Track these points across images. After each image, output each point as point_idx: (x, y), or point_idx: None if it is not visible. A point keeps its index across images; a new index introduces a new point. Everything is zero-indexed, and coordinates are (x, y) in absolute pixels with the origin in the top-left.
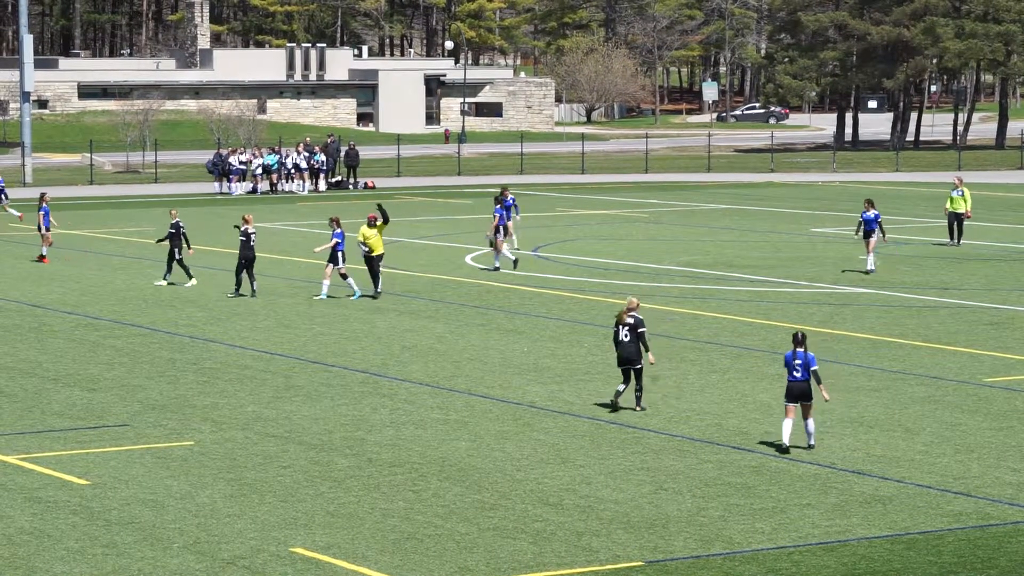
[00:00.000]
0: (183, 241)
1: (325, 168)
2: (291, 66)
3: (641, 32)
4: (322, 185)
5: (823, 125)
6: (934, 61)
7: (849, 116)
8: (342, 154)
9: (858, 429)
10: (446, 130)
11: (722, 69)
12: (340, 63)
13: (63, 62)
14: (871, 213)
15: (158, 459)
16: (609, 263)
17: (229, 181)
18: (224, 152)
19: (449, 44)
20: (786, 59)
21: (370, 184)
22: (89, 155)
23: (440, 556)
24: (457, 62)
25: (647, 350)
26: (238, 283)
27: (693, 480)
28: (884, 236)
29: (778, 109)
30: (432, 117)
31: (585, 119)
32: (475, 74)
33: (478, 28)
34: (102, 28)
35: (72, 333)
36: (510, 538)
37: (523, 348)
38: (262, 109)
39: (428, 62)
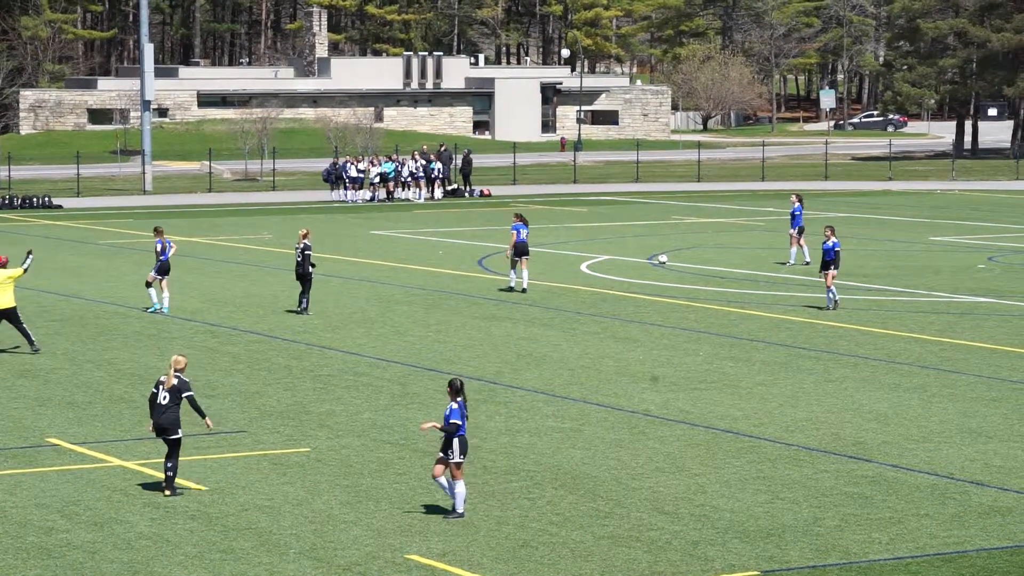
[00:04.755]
0: None
1: (441, 176)
2: (408, 74)
3: (758, 40)
4: (438, 193)
5: (942, 133)
6: None
7: (968, 124)
8: (456, 162)
9: (977, 439)
10: (562, 138)
11: (840, 77)
12: (457, 71)
13: (183, 71)
14: (831, 242)
15: (275, 465)
16: (725, 271)
17: (345, 189)
18: (340, 161)
19: (565, 52)
20: (905, 66)
21: (486, 192)
22: (208, 163)
23: (554, 564)
24: (573, 70)
25: (203, 415)
26: None
27: (809, 490)
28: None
29: (896, 117)
30: (548, 125)
31: (701, 127)
32: (591, 82)
33: (594, 36)
34: (221, 37)
35: (191, 340)
36: (625, 546)
37: (638, 356)
38: (379, 117)
39: (544, 70)
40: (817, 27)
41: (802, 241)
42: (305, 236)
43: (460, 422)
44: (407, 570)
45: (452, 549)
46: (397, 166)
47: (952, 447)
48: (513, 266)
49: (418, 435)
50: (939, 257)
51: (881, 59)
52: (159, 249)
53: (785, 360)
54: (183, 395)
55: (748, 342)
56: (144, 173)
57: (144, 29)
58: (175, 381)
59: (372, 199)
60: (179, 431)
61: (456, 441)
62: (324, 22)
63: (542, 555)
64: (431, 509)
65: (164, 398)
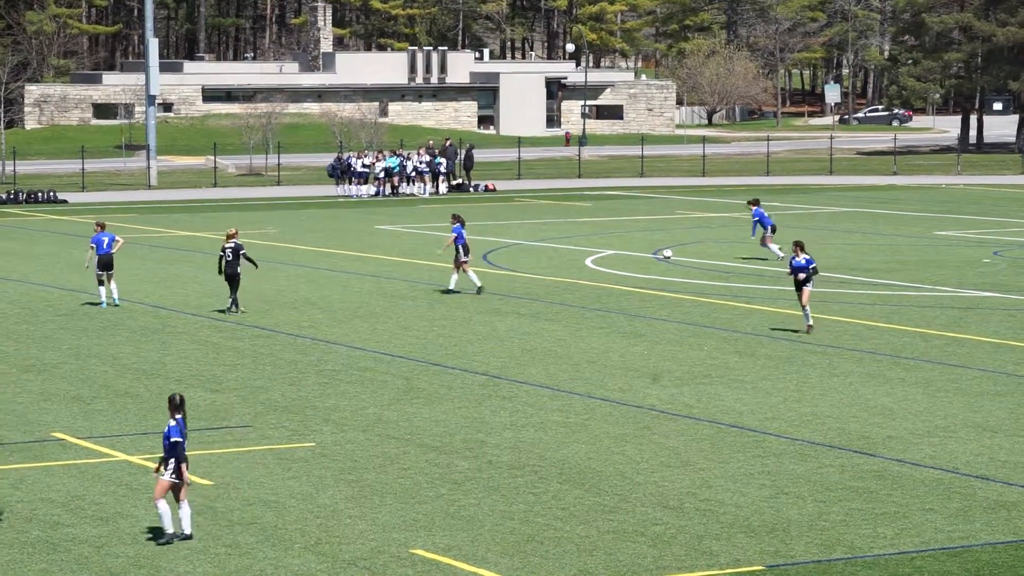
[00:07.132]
0: None
1: (446, 171)
2: (413, 69)
3: (763, 34)
4: (443, 188)
5: (947, 127)
6: None
7: (974, 118)
8: (460, 156)
9: (982, 434)
10: (567, 133)
11: (845, 71)
12: (461, 66)
13: (188, 66)
14: (801, 259)
15: (280, 460)
16: (730, 266)
17: (350, 184)
18: (345, 156)
19: (570, 47)
20: (910, 61)
21: (490, 186)
22: (213, 158)
23: (559, 559)
24: (578, 65)
25: None
26: None
27: (814, 484)
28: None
29: (901, 111)
30: (553, 120)
31: (706, 122)
32: (596, 77)
33: (599, 31)
34: (226, 32)
35: (196, 335)
36: (630, 541)
37: (643, 351)
38: (384, 112)
39: (549, 65)
40: (822, 21)
41: (768, 241)
42: (234, 236)
43: (181, 439)
44: (412, 564)
45: (457, 544)
46: (402, 161)
47: (957, 442)
48: (458, 268)
49: (423, 430)
50: (944, 252)
51: (886, 53)
52: (101, 243)
53: (790, 355)
54: None
55: (753, 337)
56: (149, 168)
57: (149, 24)
58: None
59: (377, 194)
60: None
61: (173, 461)
62: (329, 17)
63: (547, 550)
64: (436, 504)
65: None
